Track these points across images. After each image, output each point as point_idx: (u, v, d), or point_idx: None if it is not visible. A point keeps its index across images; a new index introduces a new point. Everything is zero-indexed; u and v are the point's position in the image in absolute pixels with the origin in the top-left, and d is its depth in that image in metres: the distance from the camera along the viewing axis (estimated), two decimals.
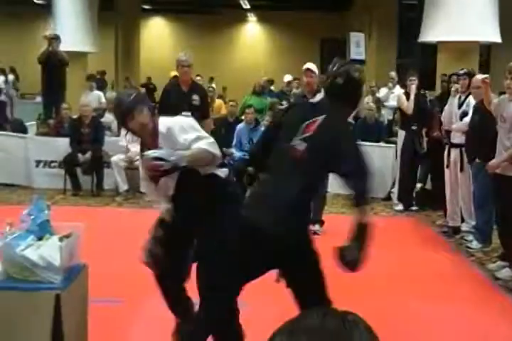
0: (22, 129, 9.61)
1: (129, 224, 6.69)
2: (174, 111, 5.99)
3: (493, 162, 5.10)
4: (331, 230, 6.46)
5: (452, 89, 6.60)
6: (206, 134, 3.17)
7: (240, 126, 8.42)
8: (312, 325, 0.84)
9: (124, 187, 7.98)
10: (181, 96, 6.24)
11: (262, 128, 8.48)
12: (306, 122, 2.95)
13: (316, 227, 6.41)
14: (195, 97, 6.27)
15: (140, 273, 4.99)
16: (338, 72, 3.03)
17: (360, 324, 0.86)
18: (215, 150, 3.06)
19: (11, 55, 19.21)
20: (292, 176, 2.92)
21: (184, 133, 3.03)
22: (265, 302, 4.57)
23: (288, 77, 11.96)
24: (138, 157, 7.92)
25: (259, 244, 2.81)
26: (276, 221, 2.80)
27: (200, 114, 6.22)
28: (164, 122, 3.14)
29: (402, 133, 7.64)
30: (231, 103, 9.38)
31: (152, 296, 4.53)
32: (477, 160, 5.80)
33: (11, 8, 20.44)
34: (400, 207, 7.69)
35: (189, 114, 6.00)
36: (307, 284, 2.96)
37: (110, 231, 6.19)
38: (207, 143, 3.02)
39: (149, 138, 3.16)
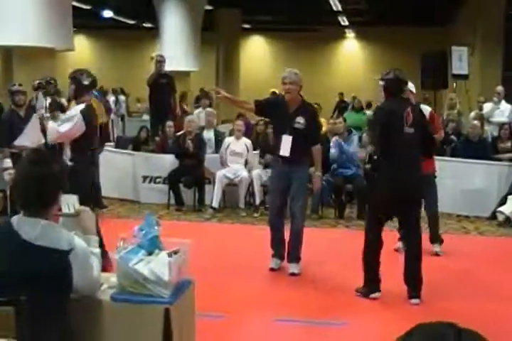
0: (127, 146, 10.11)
1: (229, 240, 6.84)
2: (276, 133, 5.67)
3: None
4: (453, 250, 6.32)
5: None
6: None
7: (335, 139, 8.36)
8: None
9: (217, 203, 8.13)
10: (284, 116, 5.47)
11: (354, 144, 8.34)
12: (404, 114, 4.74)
13: (436, 247, 6.26)
14: (300, 120, 5.43)
15: (242, 288, 5.12)
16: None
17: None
18: None
19: (119, 75, 20.24)
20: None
21: None
22: (365, 320, 4.53)
23: None
24: (239, 172, 8.18)
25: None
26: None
27: (307, 139, 5.47)
28: None
29: None
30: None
31: (254, 312, 4.62)
32: None
33: (121, 32, 21.57)
34: None
35: (290, 137, 5.41)
36: None
37: (212, 246, 6.33)
38: None
39: None
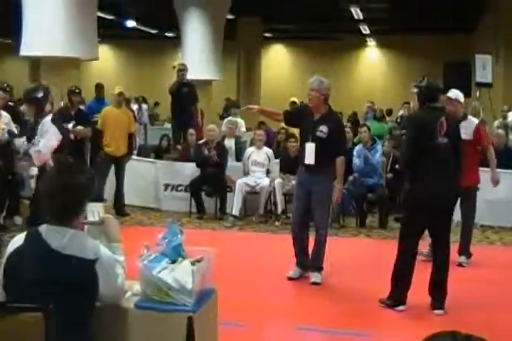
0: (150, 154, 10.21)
1: (251, 248, 6.84)
2: (301, 141, 5.66)
3: None
4: (477, 261, 6.24)
5: None
6: None
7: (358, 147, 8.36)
8: None
9: (238, 211, 8.13)
10: (308, 124, 5.43)
11: (378, 153, 8.30)
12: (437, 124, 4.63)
13: (463, 259, 6.17)
14: (323, 128, 5.35)
15: (263, 297, 5.12)
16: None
17: None
18: None
19: (142, 84, 20.37)
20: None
21: None
22: (389, 331, 4.50)
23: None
24: (260, 180, 8.18)
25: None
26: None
27: (330, 149, 5.35)
28: None
29: None
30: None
31: (276, 320, 4.61)
32: None
33: (144, 41, 21.74)
34: None
35: (313, 145, 5.37)
36: None
37: (233, 254, 6.33)
38: None
39: None
